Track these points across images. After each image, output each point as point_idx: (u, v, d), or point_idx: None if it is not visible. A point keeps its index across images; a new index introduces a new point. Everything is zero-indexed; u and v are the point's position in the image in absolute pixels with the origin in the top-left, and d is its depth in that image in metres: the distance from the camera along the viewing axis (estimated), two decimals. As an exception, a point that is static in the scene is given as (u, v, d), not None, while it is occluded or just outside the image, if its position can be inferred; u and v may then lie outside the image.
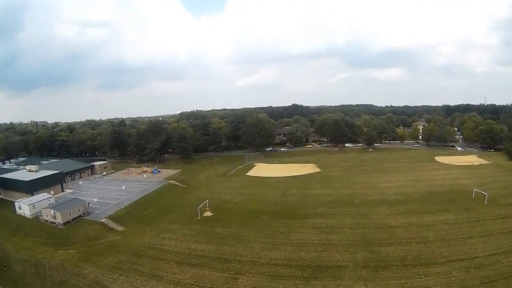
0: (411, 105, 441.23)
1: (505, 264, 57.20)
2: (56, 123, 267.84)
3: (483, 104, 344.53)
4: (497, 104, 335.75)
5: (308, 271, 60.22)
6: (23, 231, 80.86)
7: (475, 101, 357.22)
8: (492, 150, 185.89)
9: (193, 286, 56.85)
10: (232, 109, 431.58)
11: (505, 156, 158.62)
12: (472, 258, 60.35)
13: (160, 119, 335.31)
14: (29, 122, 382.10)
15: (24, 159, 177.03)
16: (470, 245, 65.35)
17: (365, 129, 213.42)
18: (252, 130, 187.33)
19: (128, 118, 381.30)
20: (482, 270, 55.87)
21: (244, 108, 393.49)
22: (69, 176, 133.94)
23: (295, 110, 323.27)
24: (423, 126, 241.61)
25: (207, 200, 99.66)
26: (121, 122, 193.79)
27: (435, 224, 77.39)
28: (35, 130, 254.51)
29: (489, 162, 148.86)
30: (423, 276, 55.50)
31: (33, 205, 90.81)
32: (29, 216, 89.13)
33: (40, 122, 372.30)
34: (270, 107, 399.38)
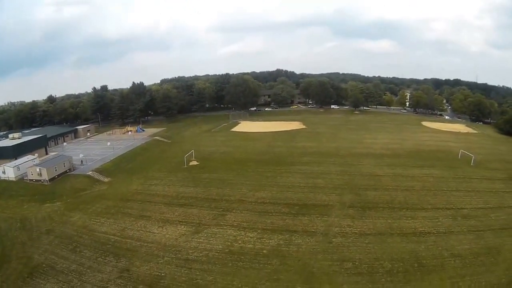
0: (400, 77, 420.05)
1: (493, 218, 56.21)
2: (34, 101, 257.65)
3: (475, 82, 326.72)
4: (488, 84, 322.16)
5: (295, 208, 60.66)
6: (8, 193, 77.94)
7: (467, 78, 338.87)
8: (481, 122, 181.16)
9: (181, 223, 56.65)
10: (215, 75, 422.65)
11: (494, 129, 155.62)
12: (458, 208, 59.76)
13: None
14: (6, 103, 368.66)
15: (5, 132, 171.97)
16: (456, 197, 64.61)
17: (351, 91, 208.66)
18: (237, 89, 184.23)
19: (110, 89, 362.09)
20: (469, 220, 55.42)
21: (228, 73, 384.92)
22: (52, 141, 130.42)
23: (280, 75, 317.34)
24: (411, 93, 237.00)
25: (192, 151, 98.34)
26: (103, 87, 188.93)
27: (420, 176, 76.71)
28: (13, 109, 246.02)
29: (477, 132, 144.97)
30: (410, 218, 55.82)
31: (17, 167, 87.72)
32: (14, 179, 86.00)
33: (17, 102, 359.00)
34: (254, 72, 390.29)
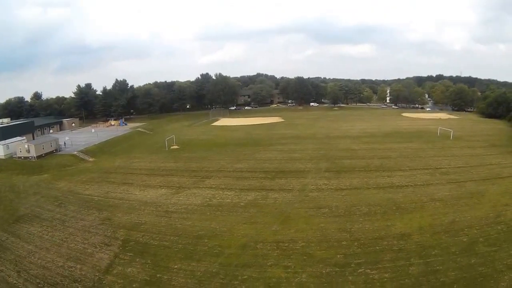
0: (381, 79, 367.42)
1: (474, 173, 57.34)
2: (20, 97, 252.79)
3: (459, 76, 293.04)
4: (472, 76, 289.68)
5: (272, 174, 62.59)
6: (-3, 169, 77.80)
7: (450, 74, 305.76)
8: (464, 111, 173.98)
9: (162, 187, 57.86)
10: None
11: (476, 115, 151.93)
12: (437, 168, 60.64)
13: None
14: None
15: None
16: (434, 161, 65.35)
17: (331, 88, 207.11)
18: (217, 87, 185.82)
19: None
20: (448, 175, 56.16)
21: (208, 73, 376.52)
22: (39, 130, 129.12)
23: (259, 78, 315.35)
24: (391, 87, 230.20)
25: (173, 136, 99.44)
26: (88, 85, 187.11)
27: (397, 148, 78.53)
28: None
29: (459, 117, 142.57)
30: (386, 177, 57.16)
31: (7, 146, 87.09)
32: (3, 157, 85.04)
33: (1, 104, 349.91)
34: (235, 77, 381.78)
